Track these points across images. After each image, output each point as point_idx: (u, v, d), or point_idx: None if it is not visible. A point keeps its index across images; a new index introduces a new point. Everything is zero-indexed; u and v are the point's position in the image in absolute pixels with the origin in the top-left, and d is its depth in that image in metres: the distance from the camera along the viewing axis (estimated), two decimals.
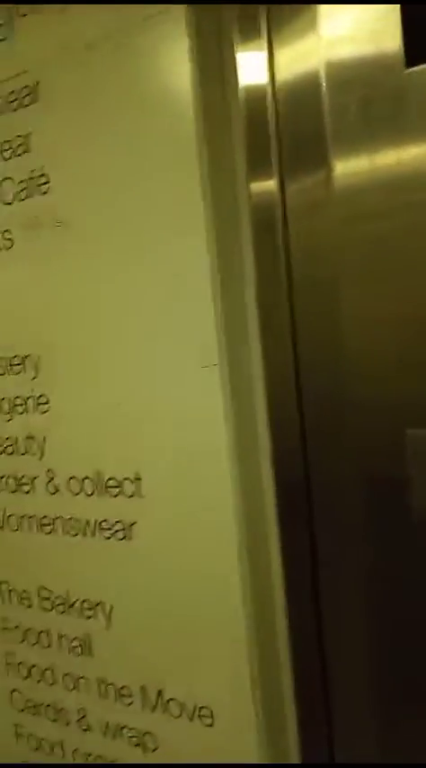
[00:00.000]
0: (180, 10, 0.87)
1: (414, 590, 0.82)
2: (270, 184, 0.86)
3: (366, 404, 0.83)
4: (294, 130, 0.85)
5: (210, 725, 0.96)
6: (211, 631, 0.95)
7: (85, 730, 1.11)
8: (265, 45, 0.85)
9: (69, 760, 1.14)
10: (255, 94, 0.87)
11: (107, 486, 1.04)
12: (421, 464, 0.78)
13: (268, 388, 0.90)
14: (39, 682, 1.17)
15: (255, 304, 0.90)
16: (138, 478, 1.01)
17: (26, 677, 1.19)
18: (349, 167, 0.81)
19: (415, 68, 0.75)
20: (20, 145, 1.08)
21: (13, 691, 1.22)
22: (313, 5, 0.81)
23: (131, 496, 1.02)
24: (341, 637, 0.89)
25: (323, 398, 0.86)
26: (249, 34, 0.87)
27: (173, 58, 0.90)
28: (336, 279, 0.84)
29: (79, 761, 1.13)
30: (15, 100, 1.08)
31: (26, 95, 1.07)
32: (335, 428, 0.86)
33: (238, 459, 0.90)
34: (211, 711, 0.95)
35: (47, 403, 1.10)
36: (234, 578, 0.91)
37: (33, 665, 1.18)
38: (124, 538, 1.03)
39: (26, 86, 1.06)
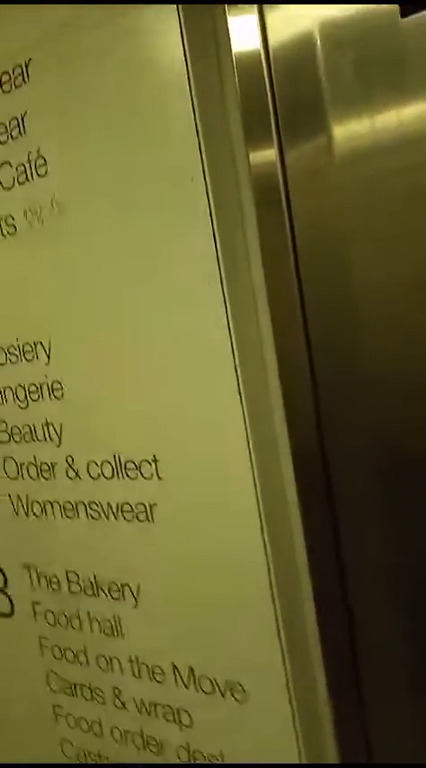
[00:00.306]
0: None
1: None
2: (269, 153, 0.83)
3: (379, 370, 0.81)
4: (290, 96, 0.81)
5: (243, 700, 0.96)
6: (238, 607, 0.95)
7: (121, 708, 1.13)
8: (255, 8, 0.81)
9: (108, 737, 1.16)
10: (248, 61, 0.83)
11: (126, 469, 1.04)
12: None
13: (280, 362, 0.88)
14: (73, 663, 1.19)
15: (262, 276, 0.88)
16: (156, 460, 1.00)
17: (59, 659, 1.21)
18: (349, 130, 0.77)
19: (411, 18, 0.71)
20: (15, 127, 1.06)
21: (49, 672, 1.24)
22: None
23: (150, 478, 1.01)
24: (368, 606, 0.88)
25: (336, 367, 0.84)
26: None
27: (163, 29, 0.86)
28: (343, 246, 0.81)
29: (117, 738, 1.14)
30: (8, 80, 1.06)
31: (18, 75, 1.04)
32: (350, 397, 0.84)
33: (254, 436, 0.89)
34: (242, 687, 0.96)
35: (61, 389, 1.10)
36: (257, 553, 0.91)
37: (67, 648, 1.19)
38: (146, 519, 1.03)
39: (17, 65, 1.04)
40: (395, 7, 0.71)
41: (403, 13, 0.72)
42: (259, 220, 0.86)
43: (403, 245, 0.76)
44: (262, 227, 0.86)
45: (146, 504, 1.02)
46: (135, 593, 1.08)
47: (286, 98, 0.81)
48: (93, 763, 1.18)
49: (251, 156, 0.85)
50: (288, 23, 0.80)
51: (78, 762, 1.22)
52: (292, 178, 0.82)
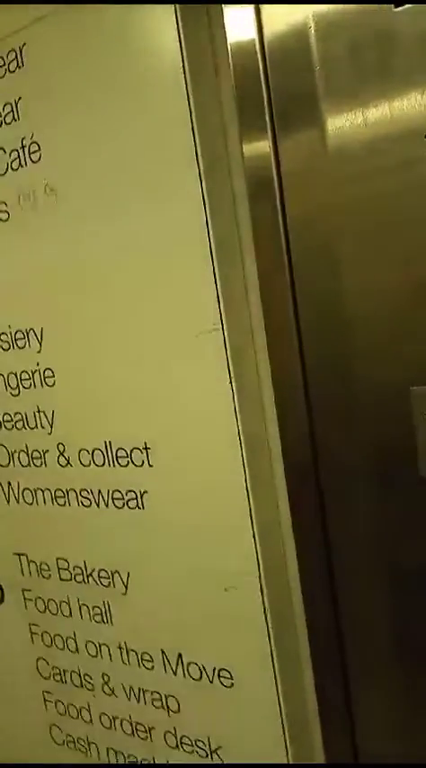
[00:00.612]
0: None
1: (423, 546, 0.81)
2: (263, 145, 0.83)
3: (369, 363, 0.81)
4: (285, 87, 0.81)
5: (230, 686, 0.97)
6: (226, 594, 0.95)
7: (110, 695, 1.13)
8: None
9: (96, 723, 1.17)
10: (244, 50, 0.83)
11: (118, 457, 1.04)
12: None
13: (271, 353, 0.88)
14: (62, 650, 1.19)
15: (254, 267, 0.88)
16: (148, 448, 1.00)
17: (49, 646, 1.21)
18: (342, 123, 0.77)
19: (404, 7, 0.71)
20: (9, 113, 1.06)
21: (39, 659, 1.24)
22: None
23: (141, 465, 1.02)
24: (355, 597, 0.89)
25: (327, 359, 0.85)
26: None
27: (158, 18, 0.86)
28: (335, 239, 0.81)
29: (105, 724, 1.15)
30: (2, 65, 1.06)
31: (12, 60, 1.04)
32: (340, 389, 0.84)
33: (244, 423, 0.90)
34: (230, 673, 0.96)
35: (53, 376, 1.10)
36: (246, 540, 0.91)
37: (56, 634, 1.20)
38: (137, 506, 1.03)
39: (12, 50, 1.04)
40: None
41: (397, 3, 0.72)
42: (252, 210, 0.86)
43: (394, 237, 0.77)
44: (255, 217, 0.86)
45: (137, 492, 1.03)
46: (124, 581, 1.08)
47: (280, 89, 0.81)
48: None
49: (245, 147, 0.85)
50: (284, 14, 0.80)
51: (67, 746, 1.23)
52: (285, 169, 0.82)
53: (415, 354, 0.77)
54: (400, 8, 0.71)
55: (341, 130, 0.78)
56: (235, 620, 0.95)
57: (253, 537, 0.91)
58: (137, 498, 1.03)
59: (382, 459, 0.83)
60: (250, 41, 0.83)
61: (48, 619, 1.21)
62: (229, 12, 0.84)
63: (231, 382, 0.89)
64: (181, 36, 0.85)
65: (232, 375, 0.89)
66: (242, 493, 0.91)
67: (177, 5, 0.84)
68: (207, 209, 0.87)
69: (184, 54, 0.85)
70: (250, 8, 0.82)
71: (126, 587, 1.08)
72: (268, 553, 0.91)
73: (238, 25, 0.83)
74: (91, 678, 1.16)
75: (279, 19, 0.80)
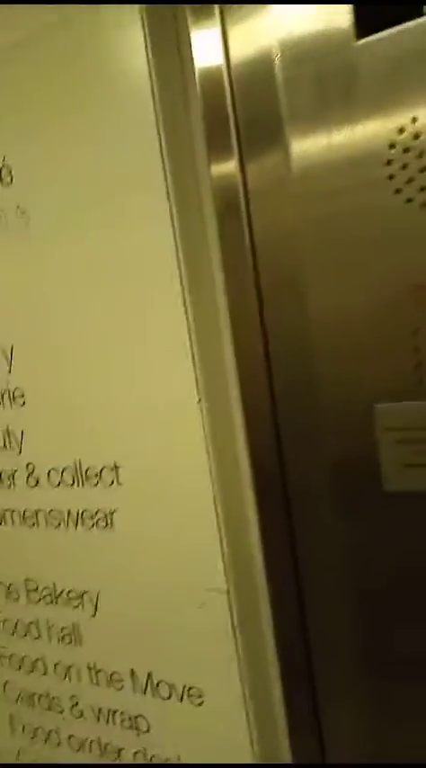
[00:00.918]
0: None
1: (388, 561, 0.83)
2: (230, 166, 0.86)
3: (335, 381, 0.83)
4: (251, 110, 0.84)
5: (200, 704, 0.97)
6: (195, 613, 0.96)
7: (79, 717, 1.12)
8: (218, 24, 0.84)
9: (64, 747, 1.15)
10: (211, 75, 0.86)
11: (86, 477, 1.05)
12: (390, 435, 0.79)
13: (240, 372, 0.90)
14: (31, 672, 1.18)
15: (223, 289, 0.90)
16: (117, 467, 1.01)
17: (18, 668, 1.20)
18: (306, 146, 0.80)
19: (365, 40, 0.75)
20: None
21: (6, 682, 1.22)
22: None
23: (111, 484, 1.02)
24: (323, 613, 0.90)
25: (294, 378, 0.86)
26: (202, 14, 0.86)
27: (127, 41, 0.88)
28: (300, 257, 0.83)
29: (74, 747, 1.14)
30: None
31: None
32: (307, 407, 0.86)
33: (213, 443, 0.91)
34: (200, 691, 0.97)
35: (23, 396, 1.10)
36: (215, 560, 0.92)
37: (24, 656, 1.19)
38: (106, 526, 1.03)
39: None
40: (351, 28, 0.75)
41: (358, 36, 0.76)
42: (220, 230, 0.88)
43: (356, 260, 0.80)
44: (223, 237, 0.88)
45: (107, 511, 1.03)
46: (94, 601, 1.08)
47: (246, 112, 0.84)
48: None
49: (212, 168, 0.87)
50: (250, 39, 0.83)
51: None
52: (252, 190, 0.85)
53: (379, 372, 0.80)
54: (361, 41, 0.75)
55: (306, 153, 0.81)
56: (205, 637, 0.95)
57: (222, 557, 0.92)
58: (106, 517, 1.03)
59: (348, 475, 0.84)
60: (217, 67, 0.85)
61: (17, 641, 1.19)
62: (197, 37, 0.87)
63: (200, 401, 0.91)
64: (151, 61, 0.87)
65: (201, 394, 0.90)
66: (211, 515, 0.92)
67: (147, 33, 0.87)
68: (175, 229, 0.89)
69: (154, 79, 0.87)
70: (217, 34, 0.85)
71: (95, 608, 1.08)
72: (238, 575, 0.92)
73: (206, 51, 0.86)
74: (60, 701, 1.15)
75: (246, 45, 0.83)
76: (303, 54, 0.79)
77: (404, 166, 0.75)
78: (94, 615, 1.08)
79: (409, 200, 0.75)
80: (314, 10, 0.77)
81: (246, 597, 0.93)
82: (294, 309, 0.85)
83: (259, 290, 0.87)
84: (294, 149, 0.81)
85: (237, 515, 0.93)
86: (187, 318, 0.90)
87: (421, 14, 0.73)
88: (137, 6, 0.87)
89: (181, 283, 0.89)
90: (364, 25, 0.74)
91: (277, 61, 0.81)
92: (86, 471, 1.04)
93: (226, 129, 0.85)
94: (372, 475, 0.81)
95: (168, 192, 0.88)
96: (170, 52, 0.89)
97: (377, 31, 0.75)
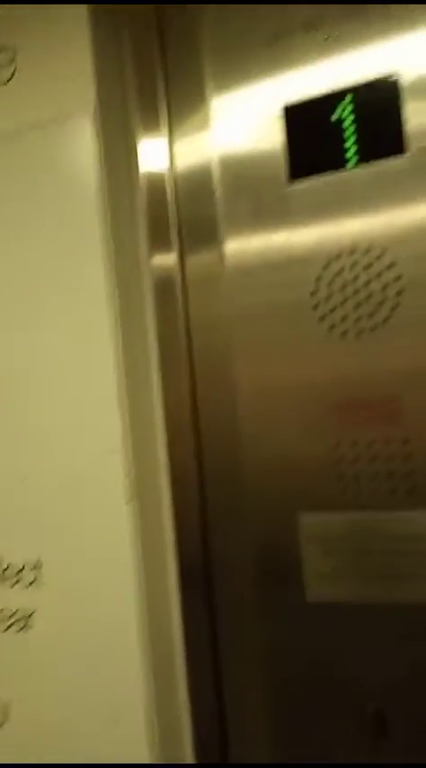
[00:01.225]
0: (88, 107, 0.93)
1: (308, 664, 0.85)
2: (169, 259, 0.94)
3: (261, 489, 0.87)
4: (191, 212, 0.93)
5: None
6: (114, 722, 0.93)
7: None
8: (166, 134, 0.94)
9: None
10: (156, 180, 0.95)
11: (5, 576, 1.02)
12: (313, 545, 0.83)
13: (171, 471, 0.93)
14: None
15: (158, 378, 0.95)
16: (40, 565, 0.99)
17: None
18: (238, 248, 0.89)
19: (296, 183, 0.85)
20: None
21: None
22: (207, 106, 0.91)
23: (31, 584, 1.00)
24: (243, 715, 0.90)
25: (224, 476, 0.90)
26: (150, 126, 0.95)
27: (81, 148, 0.94)
28: (231, 350, 0.90)
29: None
30: None
31: None
32: (235, 513, 0.89)
33: (141, 543, 0.92)
34: None
35: None
36: (135, 664, 0.91)
37: None
38: (23, 628, 1.01)
39: None
40: (286, 170, 0.86)
41: (291, 177, 0.86)
42: (157, 317, 0.95)
43: (282, 349, 0.86)
44: (160, 324, 0.95)
45: (25, 612, 1.00)
46: (4, 710, 1.03)
47: (187, 213, 0.93)
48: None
49: (153, 260, 0.95)
50: (192, 152, 0.93)
51: None
52: (190, 282, 0.93)
53: (303, 482, 0.84)
54: (294, 183, 0.85)
55: (238, 250, 0.90)
56: (121, 742, 0.92)
57: (144, 665, 0.91)
58: (24, 619, 1.01)
59: (272, 583, 0.87)
60: (162, 172, 0.95)
61: None
62: (145, 145, 0.96)
63: (128, 502, 0.92)
64: (102, 163, 0.93)
65: (131, 494, 0.92)
66: (133, 618, 0.91)
67: (100, 140, 0.93)
68: (117, 315, 0.93)
69: (104, 179, 0.93)
70: (164, 142, 0.94)
71: (5, 716, 1.03)
72: (159, 683, 0.92)
73: (153, 157, 0.96)
74: None
75: (190, 156, 0.93)
76: (238, 171, 0.90)
77: (329, 297, 0.83)
78: (3, 724, 1.03)
79: (332, 327, 0.83)
80: (251, 134, 0.88)
81: (168, 707, 0.92)
82: (228, 400, 0.91)
83: (193, 377, 0.93)
84: (228, 249, 0.90)
85: (162, 619, 0.93)
86: (121, 415, 0.92)
87: (344, 165, 0.83)
88: (89, 119, 0.93)
89: (118, 383, 0.92)
90: (297, 171, 0.84)
91: (215, 174, 0.91)
92: (5, 570, 1.02)
93: (167, 227, 0.93)
94: (295, 583, 0.84)
95: (113, 281, 0.93)
96: (120, 157, 0.97)
97: (308, 176, 0.84)
